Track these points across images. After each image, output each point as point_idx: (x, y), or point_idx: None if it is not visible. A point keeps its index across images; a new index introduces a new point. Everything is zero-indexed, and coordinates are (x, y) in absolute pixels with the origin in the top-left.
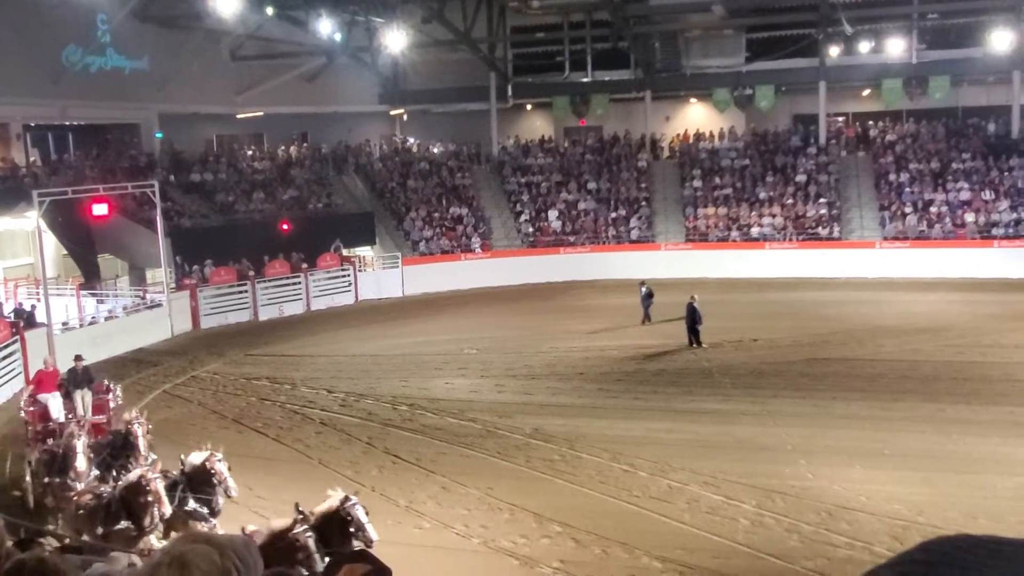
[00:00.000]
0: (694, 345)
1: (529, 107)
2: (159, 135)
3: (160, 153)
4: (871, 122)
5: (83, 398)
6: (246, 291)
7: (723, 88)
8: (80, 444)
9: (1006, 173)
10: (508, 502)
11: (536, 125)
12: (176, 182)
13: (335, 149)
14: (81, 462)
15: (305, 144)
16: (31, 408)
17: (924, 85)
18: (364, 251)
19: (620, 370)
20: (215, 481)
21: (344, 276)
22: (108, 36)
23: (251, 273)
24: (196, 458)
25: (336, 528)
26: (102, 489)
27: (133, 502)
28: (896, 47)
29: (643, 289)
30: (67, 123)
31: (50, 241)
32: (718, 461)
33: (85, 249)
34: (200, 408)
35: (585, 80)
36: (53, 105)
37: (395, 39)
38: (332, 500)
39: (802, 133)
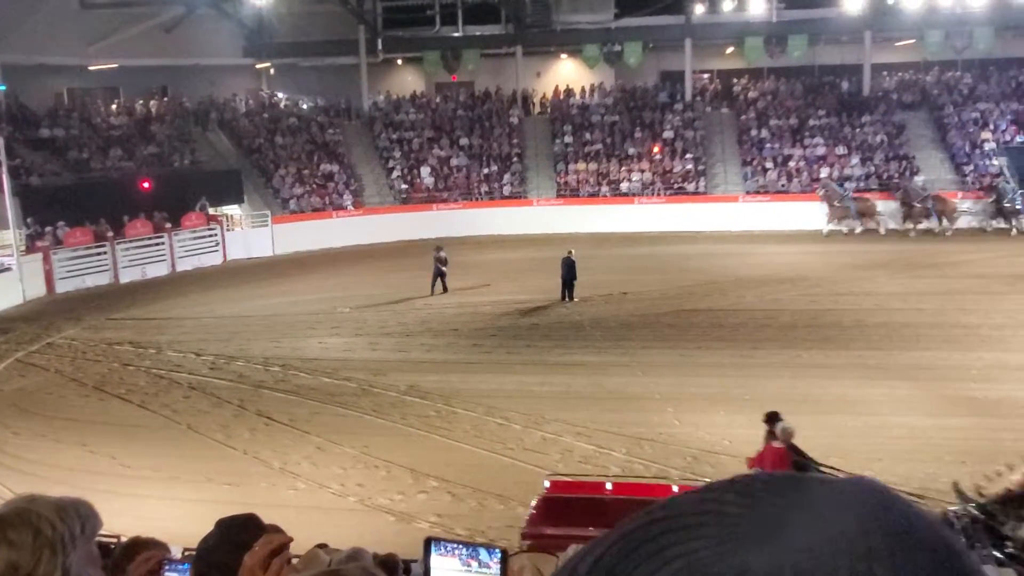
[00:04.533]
0: (566, 299)
1: (400, 62)
2: (2, 87)
3: (3, 107)
4: (734, 79)
5: None
6: (105, 253)
7: (593, 44)
8: None
9: (858, 129)
10: (384, 459)
11: (407, 80)
12: (23, 138)
13: (198, 104)
14: None
15: (165, 98)
16: None
17: (783, 43)
18: (232, 209)
19: (494, 325)
20: None
21: (211, 235)
22: None
23: (110, 234)
24: None
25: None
26: None
27: None
28: (758, 6)
29: (438, 254)
30: None
31: None
32: (590, 411)
33: None
34: (57, 376)
35: (456, 35)
36: None
37: None
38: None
39: (669, 90)
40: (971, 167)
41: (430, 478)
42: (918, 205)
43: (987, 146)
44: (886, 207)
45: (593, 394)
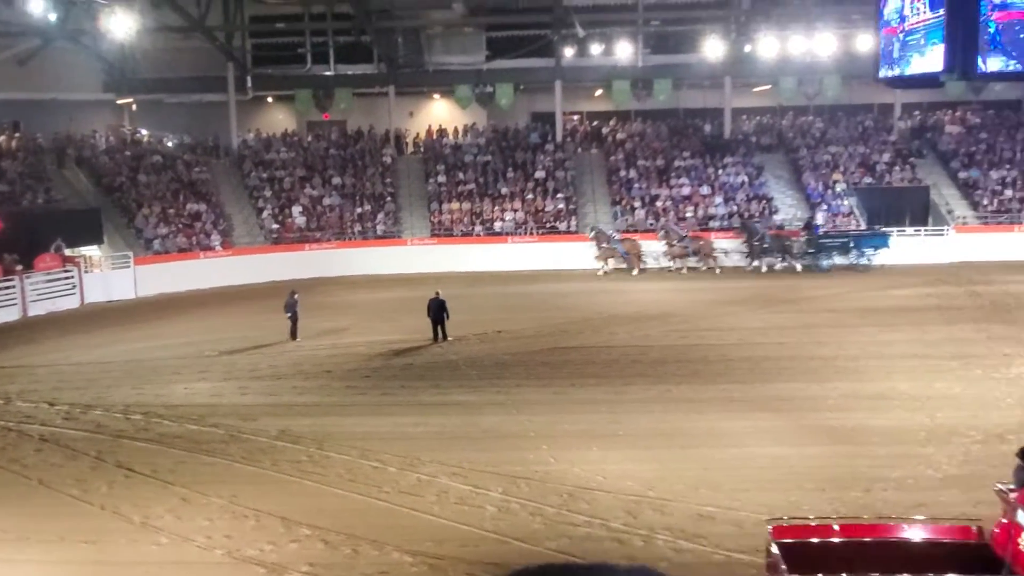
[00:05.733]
0: (439, 339)
1: (270, 99)
2: None
3: None
4: (601, 121)
5: None
6: None
7: (465, 85)
8: None
9: (720, 170)
10: (254, 508)
11: (278, 118)
12: None
13: (54, 140)
14: None
15: (17, 134)
16: None
17: (649, 87)
18: (90, 250)
19: (368, 366)
20: None
21: (67, 278)
22: None
23: None
24: None
25: None
26: None
27: None
28: (624, 50)
29: (291, 297)
30: None
31: None
32: (466, 451)
33: None
34: None
35: (328, 73)
36: None
37: (120, 23)
38: None
39: (540, 130)
40: (824, 207)
41: (302, 526)
42: (676, 245)
43: (838, 187)
44: (650, 247)
45: (468, 434)
